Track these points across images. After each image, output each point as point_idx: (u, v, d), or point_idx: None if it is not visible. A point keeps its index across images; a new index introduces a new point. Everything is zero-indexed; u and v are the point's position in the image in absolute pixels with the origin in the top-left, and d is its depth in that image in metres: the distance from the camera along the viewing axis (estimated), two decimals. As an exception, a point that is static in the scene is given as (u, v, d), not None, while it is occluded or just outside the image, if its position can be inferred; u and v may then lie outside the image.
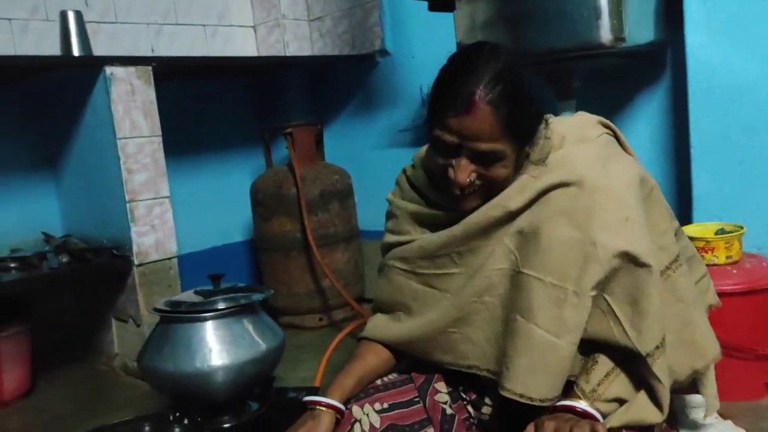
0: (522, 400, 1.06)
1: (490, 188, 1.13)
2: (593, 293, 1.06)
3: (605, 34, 1.68)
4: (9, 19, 2.35)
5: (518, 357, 1.07)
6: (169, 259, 2.19)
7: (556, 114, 1.24)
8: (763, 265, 1.64)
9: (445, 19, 2.10)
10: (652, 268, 1.05)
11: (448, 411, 1.21)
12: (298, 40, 2.95)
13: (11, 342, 2.06)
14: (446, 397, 1.22)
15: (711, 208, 1.82)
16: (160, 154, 2.16)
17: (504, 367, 1.08)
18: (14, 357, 2.08)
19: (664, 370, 1.06)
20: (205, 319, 1.50)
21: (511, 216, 1.12)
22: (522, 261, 1.10)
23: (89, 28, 2.41)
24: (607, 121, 1.21)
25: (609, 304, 1.07)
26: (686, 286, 1.14)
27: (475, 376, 1.17)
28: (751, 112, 1.76)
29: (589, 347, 1.09)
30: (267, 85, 3.00)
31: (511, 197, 1.12)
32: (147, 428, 1.36)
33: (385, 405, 1.18)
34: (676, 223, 1.23)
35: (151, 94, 2.14)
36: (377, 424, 1.14)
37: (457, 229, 1.17)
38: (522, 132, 1.11)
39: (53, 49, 2.37)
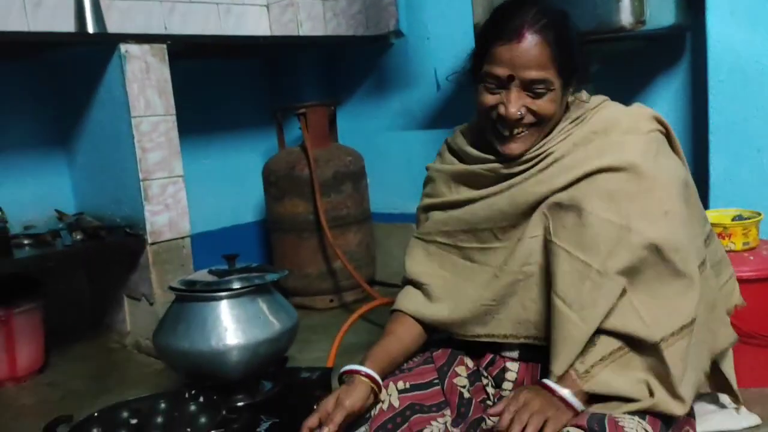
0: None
1: (537, 127, 1.16)
2: (619, 279, 1.06)
3: (626, 17, 1.67)
4: (22, -6, 2.34)
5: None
6: (182, 238, 2.19)
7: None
8: (780, 253, 1.63)
9: (462, 0, 2.08)
10: (677, 265, 1.06)
11: (466, 395, 1.21)
12: (311, 20, 2.92)
13: (25, 318, 2.08)
14: (465, 381, 1.23)
15: (728, 194, 1.82)
16: (174, 133, 2.16)
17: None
18: (28, 333, 2.09)
19: (677, 358, 1.05)
20: (221, 299, 1.50)
21: (555, 193, 1.14)
22: (554, 231, 1.13)
23: (102, 4, 2.39)
24: (662, 118, 1.21)
25: (627, 293, 1.08)
26: (708, 289, 1.15)
27: (500, 350, 1.20)
28: (771, 99, 1.74)
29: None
30: (280, 65, 2.98)
31: (556, 154, 1.16)
32: (163, 405, 1.36)
33: (407, 385, 1.19)
34: (708, 228, 1.26)
35: (166, 73, 2.13)
36: (396, 404, 1.15)
37: (503, 204, 1.19)
38: (568, 63, 1.14)
39: (66, 24, 2.36)
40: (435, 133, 2.62)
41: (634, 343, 1.07)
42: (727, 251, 1.59)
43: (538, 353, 1.17)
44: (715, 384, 1.31)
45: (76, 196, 2.46)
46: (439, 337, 1.29)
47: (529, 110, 1.14)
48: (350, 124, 2.88)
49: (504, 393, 1.20)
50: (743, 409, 1.41)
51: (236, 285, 1.52)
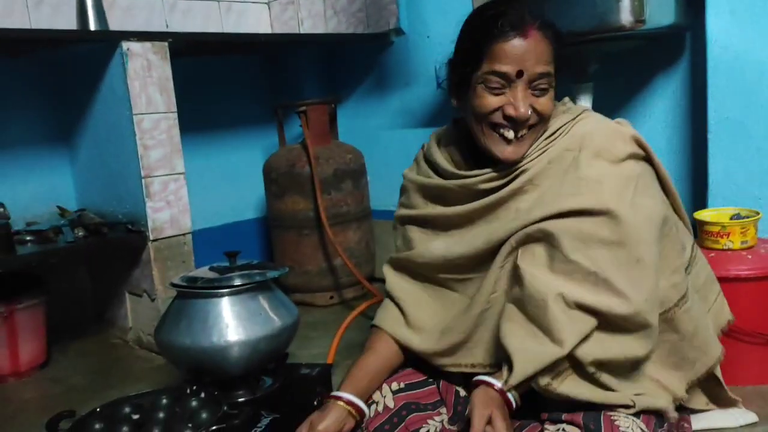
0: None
1: (535, 129, 1.15)
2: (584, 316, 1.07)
3: (625, 16, 1.67)
4: (24, -8, 2.35)
5: None
6: (184, 234, 2.20)
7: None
8: (778, 251, 1.64)
9: (463, -2, 2.08)
10: (637, 318, 1.07)
11: (462, 392, 1.22)
12: (312, 18, 2.93)
13: (27, 314, 2.09)
14: (460, 379, 1.23)
15: (726, 193, 1.82)
16: (176, 131, 2.17)
17: None
18: (30, 329, 2.10)
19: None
20: (222, 295, 1.51)
21: (528, 226, 1.13)
22: (521, 257, 1.12)
23: (104, 2, 2.40)
24: (642, 140, 1.18)
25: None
26: (688, 320, 1.16)
27: None
28: (770, 98, 1.74)
29: None
30: (281, 62, 2.99)
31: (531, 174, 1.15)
32: (165, 401, 1.37)
33: (402, 385, 1.20)
34: (688, 254, 1.24)
35: (167, 70, 2.14)
36: (391, 405, 1.16)
37: (478, 242, 1.18)
38: (563, 58, 1.15)
39: (68, 22, 2.37)
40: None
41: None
42: (726, 250, 1.61)
43: None
44: (709, 396, 1.32)
45: (77, 193, 2.47)
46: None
47: (534, 110, 1.13)
48: (351, 122, 2.89)
49: None
50: (740, 406, 1.42)
51: (237, 282, 1.53)
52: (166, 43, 2.13)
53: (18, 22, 2.31)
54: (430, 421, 1.16)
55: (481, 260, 1.18)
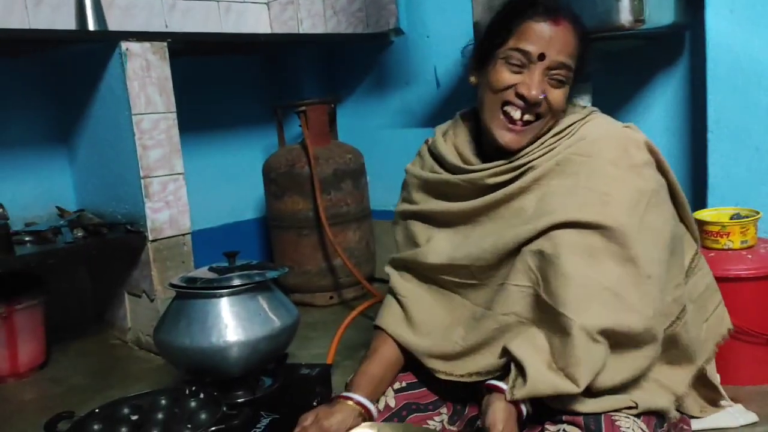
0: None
1: (541, 121, 1.15)
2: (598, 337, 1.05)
3: (625, 15, 1.66)
4: (23, -8, 2.35)
5: None
6: (183, 235, 2.20)
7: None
8: (778, 251, 1.64)
9: (462, -2, 2.08)
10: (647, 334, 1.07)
11: (461, 393, 1.22)
12: (311, 18, 2.93)
13: (26, 315, 2.08)
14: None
15: (726, 192, 1.82)
16: (175, 131, 2.16)
17: None
18: (29, 330, 2.10)
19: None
20: (221, 296, 1.51)
21: (539, 234, 1.11)
22: (543, 284, 1.09)
23: (103, 1, 2.39)
24: (653, 146, 1.18)
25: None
26: (684, 333, 1.17)
27: None
28: (770, 98, 1.74)
29: None
30: (280, 62, 2.99)
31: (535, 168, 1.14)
32: (163, 401, 1.37)
33: (403, 384, 1.19)
34: (687, 264, 1.25)
35: (167, 70, 2.14)
36: (392, 403, 1.16)
37: (486, 244, 1.16)
38: (583, 60, 1.16)
39: (67, 22, 2.37)
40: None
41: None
42: (726, 250, 1.61)
43: None
44: (705, 397, 1.33)
45: (77, 193, 2.47)
46: None
47: (546, 99, 1.13)
48: (350, 122, 2.88)
49: None
50: (740, 406, 1.42)
51: (237, 282, 1.52)
52: (165, 43, 2.13)
53: (17, 22, 2.31)
54: (430, 421, 1.17)
55: (487, 267, 1.17)
